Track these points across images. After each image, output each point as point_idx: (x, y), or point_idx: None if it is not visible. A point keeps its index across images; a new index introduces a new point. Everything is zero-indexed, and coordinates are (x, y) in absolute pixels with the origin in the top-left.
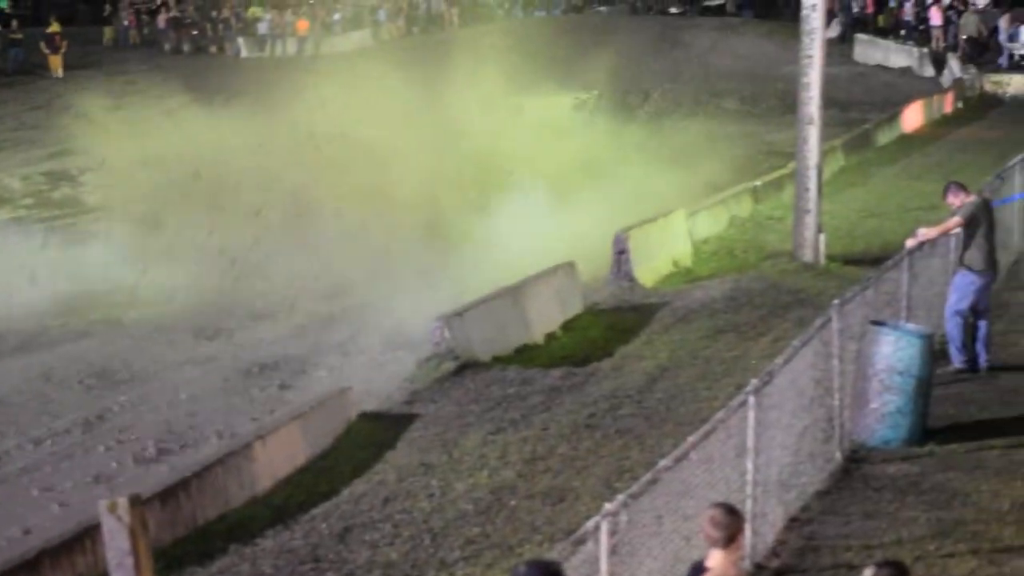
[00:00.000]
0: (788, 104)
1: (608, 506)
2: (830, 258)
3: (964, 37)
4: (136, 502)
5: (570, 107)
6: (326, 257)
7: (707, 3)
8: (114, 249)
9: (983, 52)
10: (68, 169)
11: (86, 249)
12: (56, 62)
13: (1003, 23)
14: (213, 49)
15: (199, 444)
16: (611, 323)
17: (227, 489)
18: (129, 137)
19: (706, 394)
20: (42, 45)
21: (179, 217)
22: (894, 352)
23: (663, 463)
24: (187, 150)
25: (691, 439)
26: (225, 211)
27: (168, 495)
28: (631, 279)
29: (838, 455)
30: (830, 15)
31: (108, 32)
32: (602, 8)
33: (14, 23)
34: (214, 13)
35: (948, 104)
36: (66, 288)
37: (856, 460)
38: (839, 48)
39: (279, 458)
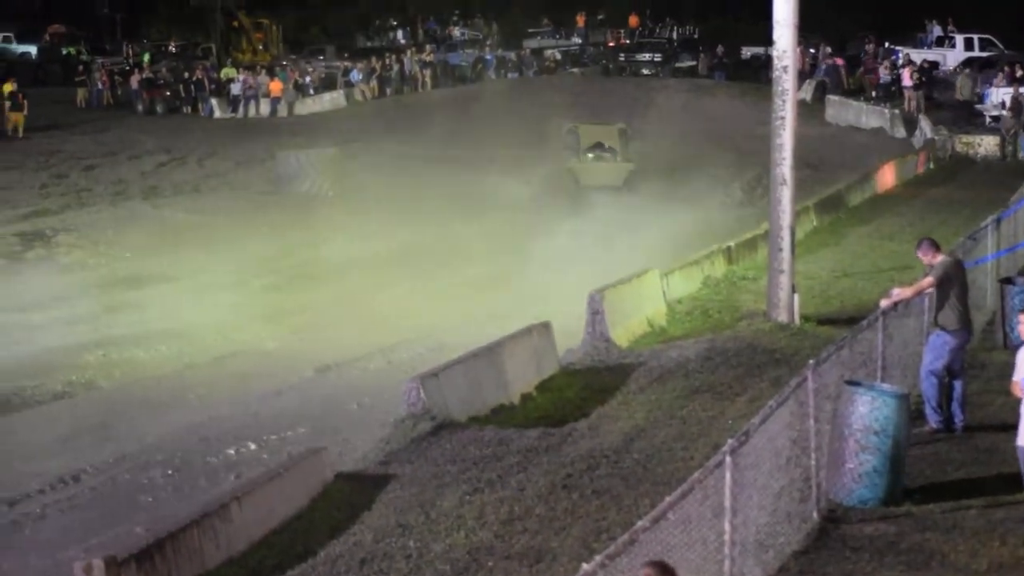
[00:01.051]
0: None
1: (586, 567)
2: (804, 318)
3: (959, 98)
4: (112, 563)
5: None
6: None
7: (679, 65)
8: (89, 308)
9: (973, 115)
10: (42, 230)
11: (62, 309)
12: (19, 119)
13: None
14: (186, 110)
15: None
16: (587, 383)
17: (203, 550)
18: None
19: (683, 454)
20: (7, 105)
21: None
22: (870, 412)
23: (640, 523)
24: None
25: (668, 499)
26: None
27: (144, 556)
28: (606, 339)
29: (815, 515)
30: (802, 77)
31: (80, 93)
32: (575, 69)
33: None
34: (187, 74)
35: (920, 165)
36: (38, 349)
37: (833, 520)
38: (811, 109)
39: (255, 519)
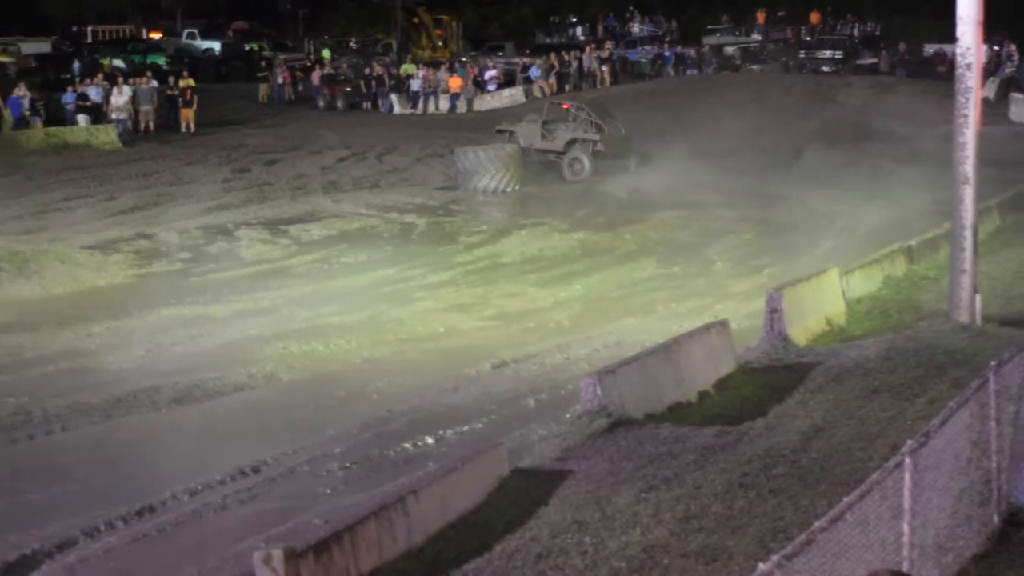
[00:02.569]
0: (941, 164)
1: (762, 566)
2: (986, 319)
3: None
4: (291, 555)
5: None
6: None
7: (860, 62)
8: (270, 301)
9: None
10: (224, 224)
11: (243, 302)
12: (189, 116)
13: None
14: (366, 106)
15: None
16: (764, 382)
17: (380, 543)
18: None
19: (861, 455)
20: (178, 101)
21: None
22: None
23: (818, 524)
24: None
25: (846, 500)
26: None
27: (322, 548)
28: (784, 338)
29: (996, 518)
30: (986, 74)
31: (263, 89)
32: (755, 67)
33: (170, 79)
34: (367, 70)
35: None
36: (219, 342)
37: (1015, 524)
38: (994, 107)
39: (432, 513)
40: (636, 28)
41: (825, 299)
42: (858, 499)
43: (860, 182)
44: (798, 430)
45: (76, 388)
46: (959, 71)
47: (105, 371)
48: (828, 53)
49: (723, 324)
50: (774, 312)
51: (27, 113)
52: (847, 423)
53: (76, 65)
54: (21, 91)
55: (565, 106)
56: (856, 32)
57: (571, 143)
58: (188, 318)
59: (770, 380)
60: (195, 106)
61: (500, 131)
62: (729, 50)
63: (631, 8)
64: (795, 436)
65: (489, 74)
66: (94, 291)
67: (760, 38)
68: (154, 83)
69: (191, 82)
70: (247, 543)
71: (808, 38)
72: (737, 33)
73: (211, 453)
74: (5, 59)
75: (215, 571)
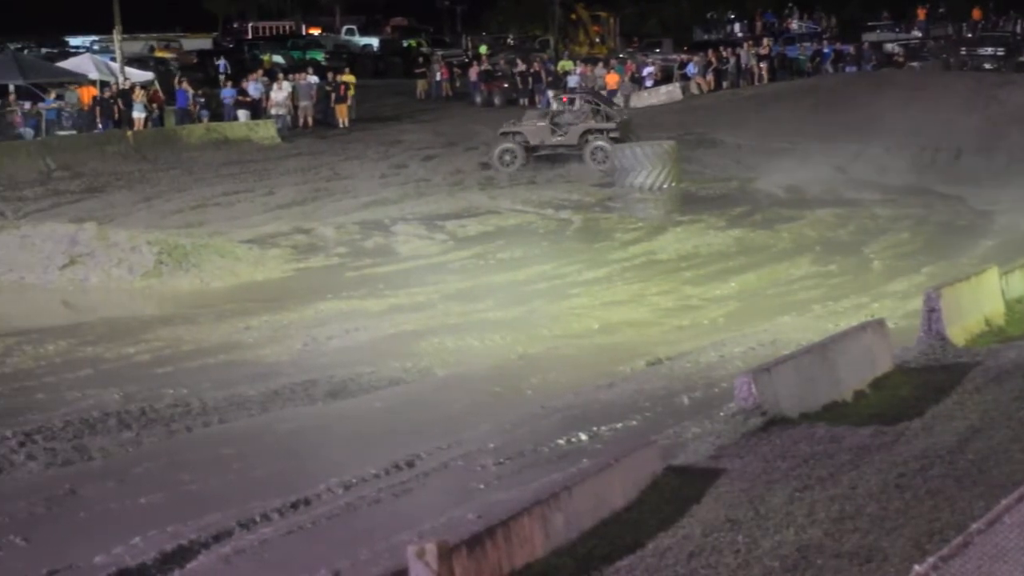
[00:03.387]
0: None
1: (918, 568)
2: None
3: None
4: (444, 549)
5: None
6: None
7: (1023, 59)
8: (425, 296)
9: None
10: (381, 219)
11: (398, 297)
12: (343, 111)
13: None
14: (523, 102)
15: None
16: (921, 382)
17: (533, 538)
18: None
19: (1020, 456)
20: (332, 96)
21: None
22: None
23: (975, 526)
24: (501, 203)
25: (1004, 502)
26: None
27: (475, 542)
28: (942, 337)
29: None
30: None
31: (421, 85)
32: (915, 64)
33: (330, 75)
34: (524, 66)
35: None
36: (375, 336)
37: None
38: None
39: (585, 509)
40: (795, 25)
41: (984, 299)
42: (1016, 501)
43: (1021, 181)
44: (955, 431)
45: (234, 381)
46: None
47: (262, 364)
48: (990, 50)
49: (880, 323)
50: (932, 312)
51: (193, 107)
52: (1006, 425)
53: (222, 63)
54: (183, 86)
55: (565, 99)
56: (1019, 28)
57: (586, 134)
58: (344, 312)
59: (927, 380)
60: (349, 101)
61: (505, 133)
62: (889, 47)
63: (790, 5)
64: (952, 437)
65: (647, 71)
66: (252, 285)
67: (920, 35)
68: (313, 79)
69: (349, 78)
70: (400, 537)
71: (969, 35)
72: (897, 30)
73: (365, 447)
74: (167, 55)
75: (368, 564)
